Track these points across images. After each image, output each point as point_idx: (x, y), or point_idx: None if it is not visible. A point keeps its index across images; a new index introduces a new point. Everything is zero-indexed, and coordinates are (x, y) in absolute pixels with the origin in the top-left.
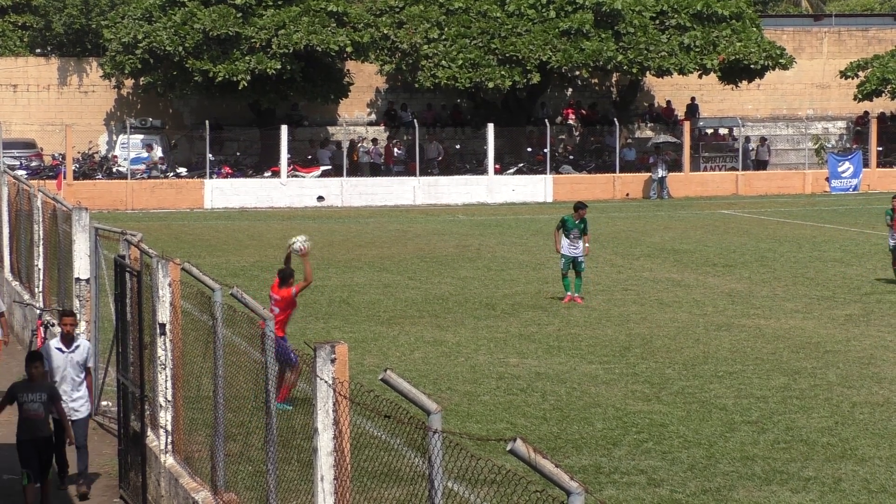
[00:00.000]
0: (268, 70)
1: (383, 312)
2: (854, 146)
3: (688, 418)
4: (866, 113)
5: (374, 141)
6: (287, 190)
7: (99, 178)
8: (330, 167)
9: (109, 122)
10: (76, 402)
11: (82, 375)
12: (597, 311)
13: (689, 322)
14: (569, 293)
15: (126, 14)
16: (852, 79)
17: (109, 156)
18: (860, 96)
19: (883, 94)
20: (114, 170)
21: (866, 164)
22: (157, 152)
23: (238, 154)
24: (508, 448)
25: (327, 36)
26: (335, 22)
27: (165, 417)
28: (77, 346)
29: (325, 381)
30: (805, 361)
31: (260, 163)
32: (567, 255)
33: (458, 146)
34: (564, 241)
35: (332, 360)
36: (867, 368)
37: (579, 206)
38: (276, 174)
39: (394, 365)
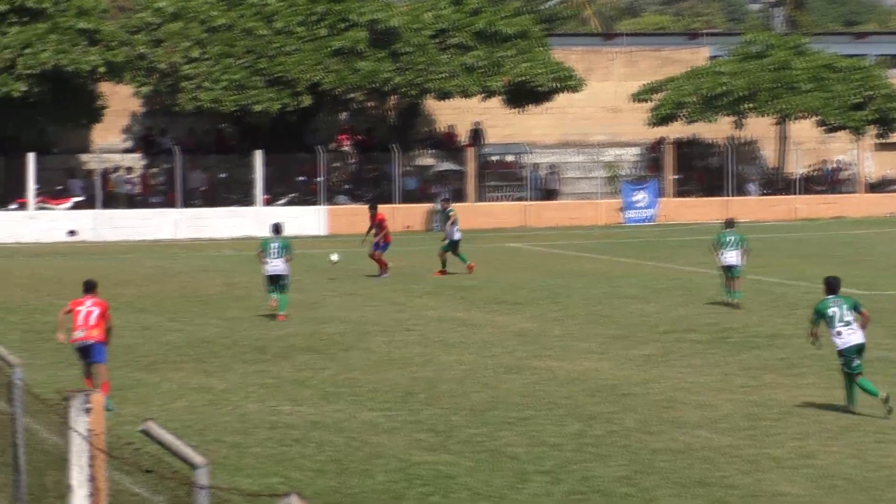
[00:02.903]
0: (12, 93)
1: (143, 357)
2: (649, 174)
3: (476, 469)
4: (662, 139)
5: (130, 169)
6: (35, 224)
7: None
8: (82, 198)
9: None
10: None
11: None
12: (377, 354)
13: (476, 364)
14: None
15: None
16: (646, 102)
17: None
18: (654, 121)
19: (678, 119)
20: None
21: (662, 193)
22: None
23: None
24: None
25: (78, 55)
26: (86, 40)
27: None
28: None
29: (80, 434)
30: (601, 406)
31: (5, 194)
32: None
33: (223, 175)
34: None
35: (87, 411)
36: (667, 412)
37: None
38: (22, 206)
39: (155, 415)
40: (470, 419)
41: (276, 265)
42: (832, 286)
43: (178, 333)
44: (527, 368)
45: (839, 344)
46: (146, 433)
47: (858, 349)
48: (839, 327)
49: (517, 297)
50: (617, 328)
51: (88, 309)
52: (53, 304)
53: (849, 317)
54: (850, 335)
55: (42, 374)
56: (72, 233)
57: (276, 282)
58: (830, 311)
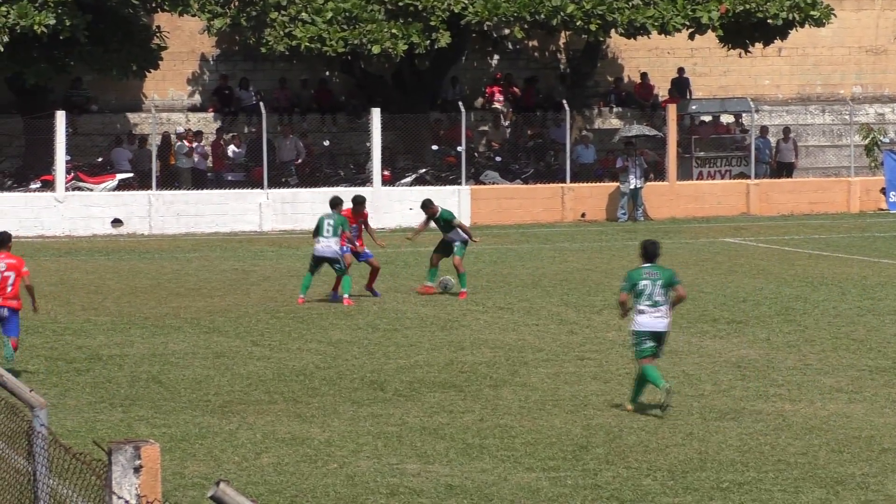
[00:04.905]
0: (35, 27)
1: (214, 396)
2: None
3: None
4: None
5: (199, 135)
6: (66, 209)
7: None
8: (131, 175)
9: None
10: None
11: None
12: (538, 392)
13: (677, 407)
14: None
15: None
16: None
17: None
18: None
19: None
20: None
21: None
22: None
23: None
24: None
25: None
26: None
27: None
28: None
29: (127, 501)
30: (852, 465)
31: (24, 168)
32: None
33: (326, 142)
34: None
35: (137, 469)
36: None
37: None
38: (48, 185)
39: (231, 475)
40: (668, 483)
41: (327, 245)
42: (650, 252)
43: (264, 363)
44: (748, 413)
45: (637, 323)
46: (218, 500)
47: (657, 336)
48: (645, 305)
49: (735, 314)
50: (875, 357)
51: (4, 274)
52: (90, 321)
53: (660, 296)
54: (655, 320)
55: (75, 419)
56: (116, 222)
57: (320, 265)
58: (642, 285)
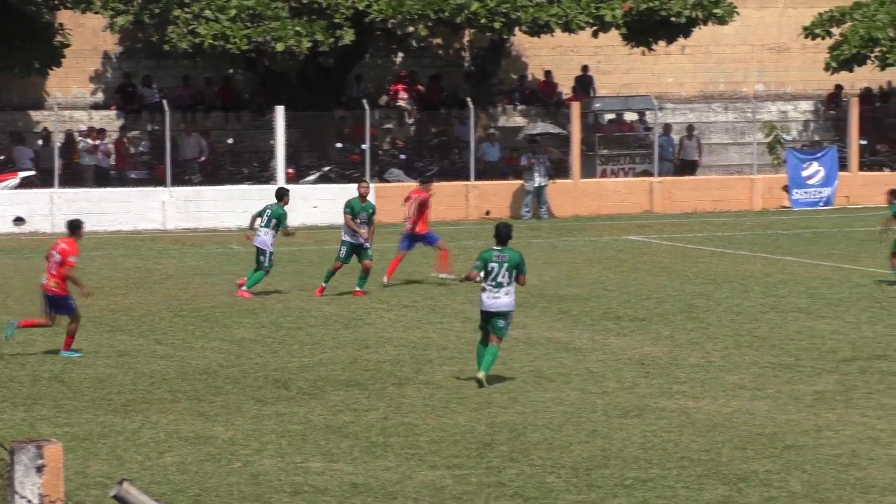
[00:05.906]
0: None
1: (117, 395)
2: (826, 139)
3: None
4: (839, 88)
5: (101, 133)
6: None
7: None
8: (33, 173)
9: None
10: None
11: None
12: (442, 389)
13: (580, 404)
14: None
15: None
16: (822, 39)
17: None
18: (834, 65)
19: (868, 62)
20: None
21: (843, 166)
22: None
23: None
24: None
25: None
26: None
27: None
28: None
29: (29, 501)
30: (755, 462)
31: None
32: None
33: (230, 140)
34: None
35: (40, 468)
36: (847, 472)
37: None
38: None
39: (133, 474)
40: (572, 480)
41: (258, 236)
42: (502, 235)
43: (167, 361)
44: (651, 410)
45: (481, 302)
46: (120, 499)
47: (490, 315)
48: (488, 285)
49: (638, 311)
50: (778, 354)
51: (55, 256)
52: None
53: (504, 278)
54: (492, 300)
55: None
56: (18, 220)
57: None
58: (490, 266)
